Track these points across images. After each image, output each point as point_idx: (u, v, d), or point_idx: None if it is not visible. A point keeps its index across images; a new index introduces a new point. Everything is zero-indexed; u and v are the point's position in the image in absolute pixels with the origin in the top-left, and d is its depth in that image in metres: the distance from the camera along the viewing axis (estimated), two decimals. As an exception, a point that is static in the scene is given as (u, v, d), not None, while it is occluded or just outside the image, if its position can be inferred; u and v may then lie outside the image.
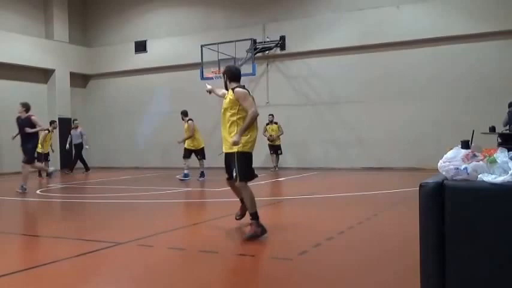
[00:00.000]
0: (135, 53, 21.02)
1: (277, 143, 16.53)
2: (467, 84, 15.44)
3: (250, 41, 17.59)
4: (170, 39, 20.33)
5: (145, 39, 20.87)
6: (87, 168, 17.70)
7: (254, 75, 17.61)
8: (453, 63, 15.67)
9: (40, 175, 15.55)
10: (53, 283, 3.93)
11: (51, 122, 16.94)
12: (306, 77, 17.86)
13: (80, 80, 22.29)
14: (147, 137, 20.54)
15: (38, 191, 11.12)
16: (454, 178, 2.56)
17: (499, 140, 9.76)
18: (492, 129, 10.61)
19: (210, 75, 17.53)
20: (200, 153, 13.28)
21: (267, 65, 18.51)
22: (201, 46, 17.55)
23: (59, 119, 20.84)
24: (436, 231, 2.52)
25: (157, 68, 20.50)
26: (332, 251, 4.85)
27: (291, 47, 17.93)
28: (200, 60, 17.58)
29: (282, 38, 17.89)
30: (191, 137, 12.95)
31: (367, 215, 6.77)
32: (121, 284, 3.96)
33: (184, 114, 13.39)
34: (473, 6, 15.34)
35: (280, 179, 13.12)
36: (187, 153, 13.13)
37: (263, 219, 5.52)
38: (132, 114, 21.18)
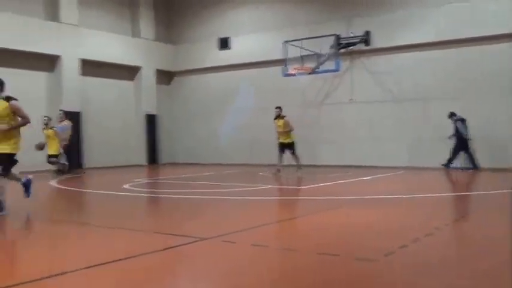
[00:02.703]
0: (219, 50, 21.26)
1: (287, 140, 14.06)
2: None
3: (334, 36, 17.22)
4: (253, 36, 20.36)
5: (228, 36, 21.05)
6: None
7: (338, 71, 17.25)
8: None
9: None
10: (138, 276, 4.00)
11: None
12: (392, 73, 17.20)
13: (164, 77, 22.92)
14: (230, 134, 20.71)
15: (125, 186, 11.43)
16: None
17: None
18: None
19: (293, 72, 17.37)
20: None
21: (351, 61, 18.03)
22: (284, 42, 17.41)
23: (146, 115, 21.61)
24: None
25: (240, 64, 20.61)
26: (418, 253, 4.63)
27: (376, 43, 17.34)
28: (283, 57, 17.45)
29: (367, 33, 17.33)
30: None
31: (455, 216, 6.37)
32: (204, 279, 3.98)
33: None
34: None
35: (365, 178, 12.68)
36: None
37: (345, 219, 5.31)
38: (214, 110, 21.46)
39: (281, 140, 14.13)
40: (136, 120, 21.60)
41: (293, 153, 14.09)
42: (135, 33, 21.66)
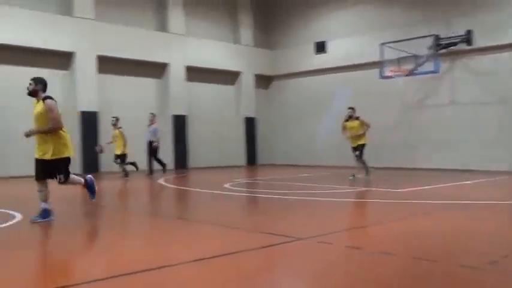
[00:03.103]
0: (315, 54, 21.55)
1: (359, 142, 13.06)
2: None
3: (432, 37, 16.85)
4: (349, 39, 20.43)
5: (324, 40, 21.28)
6: (164, 170, 16.20)
7: (437, 72, 16.86)
8: None
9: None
10: (235, 273, 4.15)
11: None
12: (496, 73, 16.49)
13: (263, 81, 23.63)
14: (325, 136, 20.90)
15: (226, 185, 12.11)
16: None
17: None
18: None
19: (390, 74, 17.24)
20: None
21: (452, 61, 17.51)
22: (381, 44, 17.34)
23: (245, 118, 22.48)
24: None
25: (336, 68, 20.76)
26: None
27: (479, 42, 16.72)
28: (379, 59, 17.39)
29: (468, 33, 16.76)
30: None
31: None
32: (301, 279, 4.05)
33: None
34: None
35: (466, 182, 12.36)
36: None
37: (442, 224, 5.30)
38: (310, 113, 21.78)
39: (353, 145, 13.12)
40: (237, 123, 22.54)
41: (360, 156, 13.03)
42: (236, 40, 22.59)
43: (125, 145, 14.95)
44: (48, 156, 6.66)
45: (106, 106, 18.08)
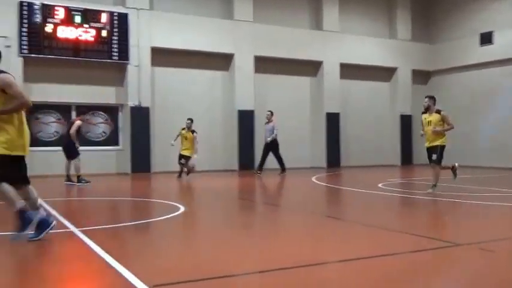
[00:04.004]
0: (480, 46, 20.02)
1: (436, 142, 10.01)
2: None
3: None
4: (520, 29, 18.61)
5: (491, 30, 19.65)
6: (283, 168, 15.96)
7: None
8: None
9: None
10: (386, 276, 4.06)
11: None
12: None
13: (421, 77, 22.59)
14: (489, 135, 19.35)
15: (379, 185, 11.86)
16: None
17: None
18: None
19: None
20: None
21: None
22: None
23: (400, 115, 21.73)
24: None
25: (504, 60, 19.05)
26: None
27: None
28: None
29: None
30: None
31: None
32: (458, 287, 3.90)
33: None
34: None
35: None
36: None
37: None
38: (474, 110, 20.30)
39: (427, 145, 10.20)
40: (392, 120, 21.88)
41: (438, 161, 9.92)
42: (392, 35, 21.92)
43: (194, 149, 14.43)
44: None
45: (261, 105, 18.81)
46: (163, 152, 17.03)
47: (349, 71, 20.64)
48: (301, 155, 19.64)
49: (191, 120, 14.70)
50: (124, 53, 16.71)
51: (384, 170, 18.35)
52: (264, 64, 19.01)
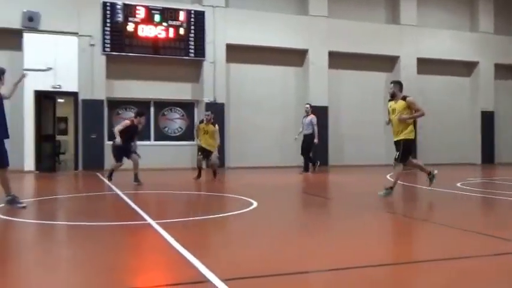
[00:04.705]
0: None
1: (399, 136, 8.76)
2: None
3: None
4: None
5: None
6: (306, 168, 14.98)
7: None
8: None
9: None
10: (463, 279, 3.93)
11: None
12: None
13: (504, 71, 21.46)
14: None
15: (458, 184, 11.42)
16: None
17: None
18: None
19: None
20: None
21: None
22: None
23: (482, 112, 20.76)
24: None
25: None
26: None
27: None
28: None
29: None
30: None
31: None
32: None
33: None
34: None
35: None
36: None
37: None
38: None
39: (394, 138, 8.87)
40: (471, 117, 20.96)
41: (400, 159, 8.66)
42: (473, 28, 20.99)
43: (216, 144, 12.68)
44: None
45: (335, 101, 18.64)
46: (238, 148, 17.33)
47: (426, 65, 19.97)
48: (376, 152, 19.26)
49: (210, 111, 13.24)
50: (200, 50, 17.13)
51: (463, 168, 17.62)
52: (338, 60, 18.83)
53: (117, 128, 11.09)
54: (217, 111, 17.20)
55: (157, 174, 14.15)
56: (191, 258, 4.20)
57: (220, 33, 17.35)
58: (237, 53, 17.68)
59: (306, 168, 14.87)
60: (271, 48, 18.04)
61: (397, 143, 8.70)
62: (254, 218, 6.90)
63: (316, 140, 14.75)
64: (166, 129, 17.54)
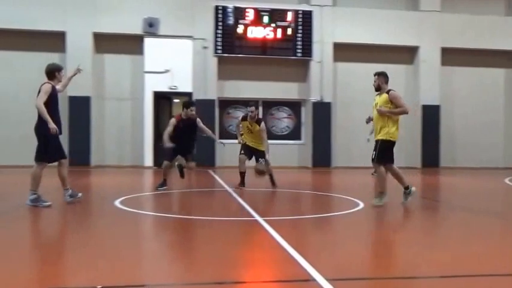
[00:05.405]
0: None
1: (378, 135, 7.77)
2: None
3: None
4: None
5: None
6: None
7: None
8: None
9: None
10: None
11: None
12: None
13: None
14: None
15: None
16: None
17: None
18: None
19: None
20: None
21: None
22: None
23: None
24: None
25: None
26: None
27: None
28: None
29: None
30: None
31: None
32: None
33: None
34: None
35: None
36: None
37: None
38: None
39: (375, 137, 7.89)
40: None
41: (376, 160, 7.72)
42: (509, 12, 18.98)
43: (266, 145, 10.12)
44: None
45: (447, 100, 17.86)
46: (344, 147, 17.24)
47: (452, 55, 18.35)
48: (492, 154, 18.18)
49: (255, 106, 10.17)
50: (307, 50, 17.26)
51: None
52: (451, 56, 17.98)
53: (167, 131, 9.49)
54: (323, 111, 17.27)
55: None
56: (297, 256, 4.35)
57: (328, 32, 17.34)
58: (345, 51, 17.56)
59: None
60: (380, 46, 17.69)
61: (376, 142, 7.77)
62: (360, 219, 6.90)
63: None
64: (274, 128, 17.91)
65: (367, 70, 17.83)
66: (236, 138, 10.41)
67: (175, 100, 19.09)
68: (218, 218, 6.75)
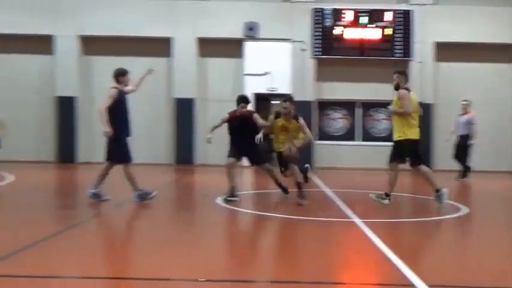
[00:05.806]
0: None
1: (395, 136, 8.01)
2: None
3: None
4: None
5: None
6: (464, 173, 12.78)
7: None
8: None
9: None
10: None
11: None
12: None
13: None
14: None
15: None
16: None
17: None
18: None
19: None
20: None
21: None
22: None
23: None
24: None
25: None
26: None
27: None
28: None
29: None
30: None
31: None
32: None
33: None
34: None
35: None
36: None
37: None
38: None
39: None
40: None
41: (390, 160, 8.09)
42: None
43: (304, 140, 8.71)
44: None
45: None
46: (443, 149, 16.71)
47: (446, 51, 16.89)
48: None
49: (290, 101, 8.66)
50: (407, 50, 16.93)
51: None
52: None
53: (214, 124, 9.00)
54: (424, 112, 16.75)
55: (363, 174, 14.52)
56: (395, 260, 4.46)
57: (428, 31, 16.86)
58: (446, 51, 16.97)
59: (464, 175, 12.91)
60: (483, 44, 16.89)
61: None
62: (461, 225, 6.83)
63: (472, 141, 12.71)
64: (372, 129, 17.77)
65: (470, 70, 17.22)
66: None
67: (273, 102, 19.56)
68: (316, 218, 6.98)
